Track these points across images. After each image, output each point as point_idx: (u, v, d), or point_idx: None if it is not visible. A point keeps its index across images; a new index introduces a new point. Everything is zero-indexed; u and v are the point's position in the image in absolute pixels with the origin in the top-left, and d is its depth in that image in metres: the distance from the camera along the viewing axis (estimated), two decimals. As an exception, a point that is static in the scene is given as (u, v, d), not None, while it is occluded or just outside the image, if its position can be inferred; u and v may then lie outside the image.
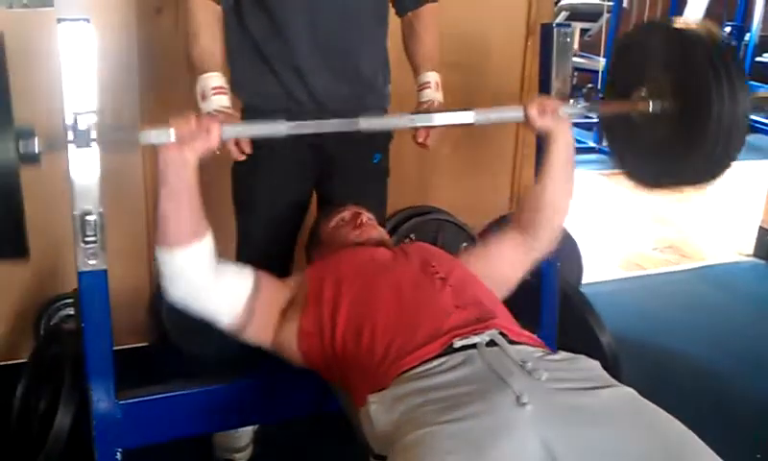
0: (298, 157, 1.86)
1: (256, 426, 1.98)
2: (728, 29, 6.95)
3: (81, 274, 1.37)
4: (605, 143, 5.39)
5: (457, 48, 2.52)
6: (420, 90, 1.87)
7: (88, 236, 1.34)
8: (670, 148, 1.60)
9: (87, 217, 1.33)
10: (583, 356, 1.26)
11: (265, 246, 1.88)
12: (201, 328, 1.47)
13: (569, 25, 1.83)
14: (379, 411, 1.17)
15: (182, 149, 1.33)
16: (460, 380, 1.16)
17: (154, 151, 2.05)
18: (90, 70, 1.31)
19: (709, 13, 6.73)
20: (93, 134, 1.30)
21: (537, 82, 1.89)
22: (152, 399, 1.58)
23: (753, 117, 6.46)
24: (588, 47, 6.55)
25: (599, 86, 5.52)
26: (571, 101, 1.65)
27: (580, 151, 5.42)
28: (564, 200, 1.62)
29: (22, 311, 2.36)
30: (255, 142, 1.82)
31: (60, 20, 1.29)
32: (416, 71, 1.89)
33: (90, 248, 1.35)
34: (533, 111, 1.56)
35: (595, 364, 1.25)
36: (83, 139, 1.30)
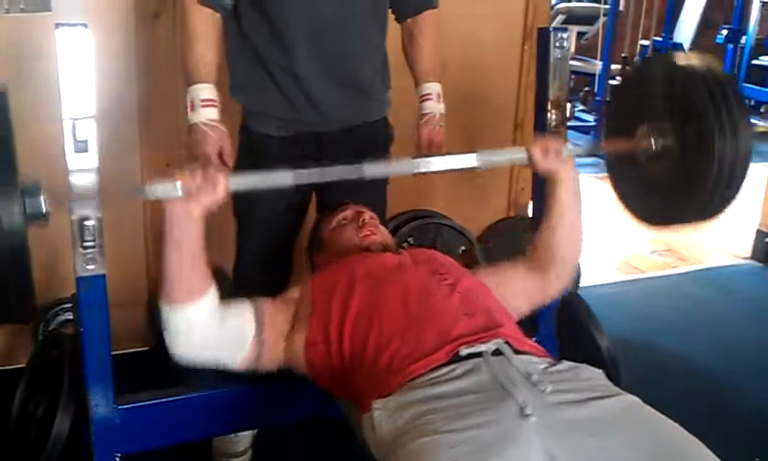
0: (298, 163, 1.85)
1: (255, 431, 1.97)
2: (724, 32, 6.97)
3: (79, 278, 1.37)
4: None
5: (454, 53, 2.53)
6: (422, 102, 1.88)
7: (87, 241, 1.33)
8: (673, 186, 1.58)
9: (86, 222, 1.33)
10: (585, 365, 1.26)
11: (263, 255, 1.89)
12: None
13: (566, 29, 1.84)
14: (383, 417, 1.18)
15: (189, 203, 1.32)
16: (465, 390, 1.17)
17: (150, 151, 2.05)
18: (88, 75, 1.30)
19: (706, 16, 6.75)
20: (91, 140, 1.30)
21: (534, 86, 1.89)
22: (151, 404, 1.58)
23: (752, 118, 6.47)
24: (585, 50, 6.56)
25: (596, 90, 5.52)
26: (570, 145, 1.62)
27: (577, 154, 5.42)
28: (574, 239, 1.61)
29: (20, 316, 2.35)
30: (253, 149, 1.83)
31: (58, 25, 1.29)
32: (417, 81, 1.90)
33: (89, 253, 1.35)
34: (536, 153, 1.54)
35: (598, 373, 1.25)
36: (81, 145, 1.30)
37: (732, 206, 1.56)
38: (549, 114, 1.79)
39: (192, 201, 1.32)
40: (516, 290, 1.58)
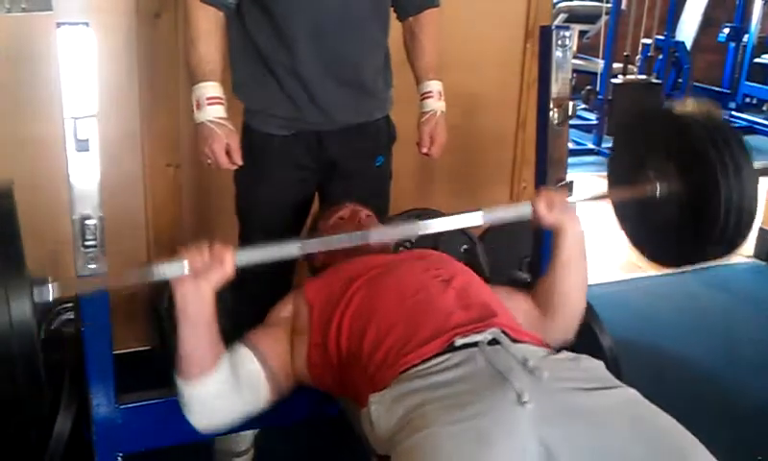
0: (299, 162, 1.86)
1: (257, 431, 1.97)
2: (726, 30, 6.96)
3: (81, 278, 1.37)
4: (604, 145, 5.40)
5: (456, 51, 2.52)
6: (423, 100, 1.88)
7: (88, 240, 1.34)
8: (681, 228, 1.59)
9: (87, 221, 1.33)
10: (586, 356, 1.26)
11: None
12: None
13: (568, 27, 1.83)
14: (380, 411, 1.18)
15: (198, 282, 1.30)
16: (461, 378, 1.16)
17: (151, 147, 2.03)
18: (90, 74, 1.30)
19: (708, 15, 6.74)
20: (93, 139, 1.30)
21: (536, 84, 1.89)
22: (152, 403, 1.57)
23: (752, 118, 6.47)
24: (587, 49, 6.55)
25: (598, 88, 5.51)
26: (572, 200, 1.61)
27: (579, 153, 5.41)
28: (578, 292, 1.55)
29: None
30: (256, 148, 1.83)
31: (59, 24, 1.29)
32: (418, 79, 1.91)
33: (90, 252, 1.35)
34: (541, 207, 1.50)
35: (598, 364, 1.25)
36: (82, 144, 1.30)
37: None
38: (551, 113, 1.79)
39: (201, 279, 1.30)
40: (519, 318, 1.53)
